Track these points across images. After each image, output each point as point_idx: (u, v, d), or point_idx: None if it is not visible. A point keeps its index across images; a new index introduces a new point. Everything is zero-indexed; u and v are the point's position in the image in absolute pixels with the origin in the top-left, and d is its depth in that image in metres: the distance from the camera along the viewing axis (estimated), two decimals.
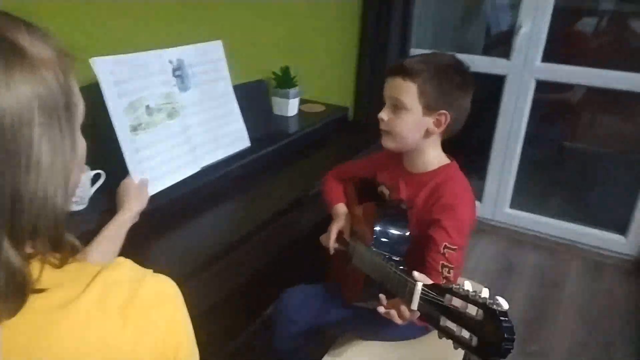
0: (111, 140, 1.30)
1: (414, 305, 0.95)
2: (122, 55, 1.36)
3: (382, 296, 1.08)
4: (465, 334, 0.83)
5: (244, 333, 1.75)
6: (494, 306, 0.79)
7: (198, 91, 1.58)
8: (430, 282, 0.97)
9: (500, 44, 3.23)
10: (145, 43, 1.49)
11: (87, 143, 0.65)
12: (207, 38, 1.65)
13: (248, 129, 1.73)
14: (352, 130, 2.30)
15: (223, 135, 1.64)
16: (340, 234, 1.43)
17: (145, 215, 1.25)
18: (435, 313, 0.90)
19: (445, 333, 0.87)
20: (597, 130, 3.67)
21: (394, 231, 1.25)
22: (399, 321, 1.04)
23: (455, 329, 0.85)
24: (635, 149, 3.33)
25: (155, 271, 0.64)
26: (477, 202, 2.23)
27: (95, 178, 1.30)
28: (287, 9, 2.27)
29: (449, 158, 1.33)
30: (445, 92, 1.22)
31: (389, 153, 1.40)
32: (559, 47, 2.76)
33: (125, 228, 1.16)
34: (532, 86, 2.75)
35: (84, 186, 1.23)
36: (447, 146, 1.34)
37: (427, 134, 1.26)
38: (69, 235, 0.60)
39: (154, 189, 1.36)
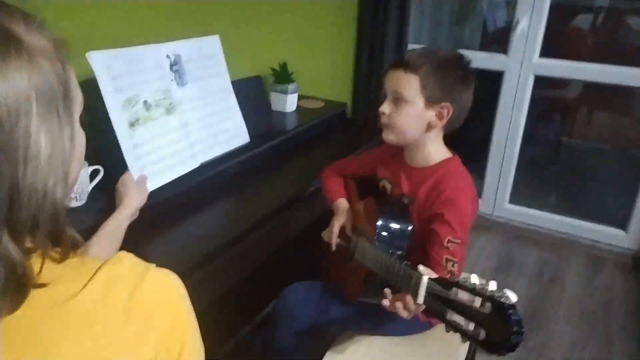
0: (109, 136, 1.28)
1: (420, 299, 0.94)
2: (118, 50, 1.34)
3: (387, 290, 1.07)
4: (473, 327, 0.82)
5: (243, 331, 1.74)
6: (503, 299, 0.78)
7: (196, 86, 1.56)
8: (435, 275, 0.96)
9: (496, 40, 3.23)
10: (142, 38, 1.47)
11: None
12: (204, 33, 1.63)
13: (246, 124, 1.71)
14: (350, 126, 2.29)
15: (222, 131, 1.62)
16: (341, 229, 1.41)
17: (144, 211, 1.23)
18: (442, 307, 0.88)
19: (452, 327, 0.85)
20: (594, 126, 3.67)
21: (396, 226, 1.24)
22: (404, 314, 1.03)
23: (462, 323, 0.84)
24: (633, 145, 3.34)
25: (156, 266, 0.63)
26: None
27: (94, 174, 1.28)
28: (283, 4, 2.26)
29: (451, 152, 1.32)
30: (447, 85, 1.21)
31: (389, 148, 1.39)
32: (555, 44, 2.76)
33: (125, 224, 1.14)
34: (531, 82, 2.75)
35: (82, 182, 1.22)
36: (447, 143, 1.33)
37: (429, 127, 1.25)
38: (70, 230, 0.59)
39: (153, 185, 1.35)
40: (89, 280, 0.56)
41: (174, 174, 1.43)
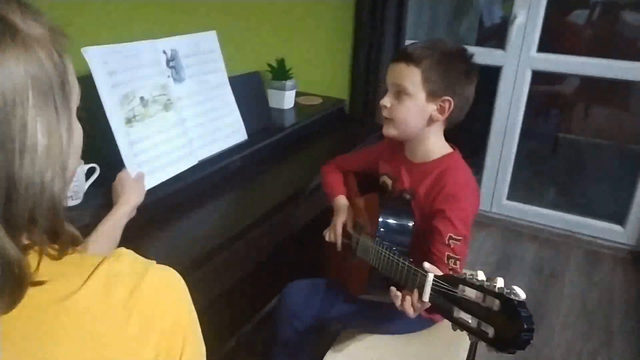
0: (105, 132, 1.26)
1: (426, 297, 0.92)
2: (114, 45, 1.31)
3: (393, 289, 1.05)
4: (481, 325, 0.80)
5: (243, 330, 1.72)
6: (512, 295, 0.77)
7: (193, 82, 1.54)
8: (440, 273, 0.95)
9: (493, 36, 3.23)
10: (138, 33, 1.45)
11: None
12: (201, 28, 1.61)
13: (244, 121, 1.69)
14: (349, 123, 2.27)
15: (220, 128, 1.60)
16: (343, 226, 1.40)
17: (142, 209, 1.21)
18: (448, 304, 0.87)
19: (460, 325, 0.84)
20: (591, 121, 3.68)
21: (398, 222, 1.23)
22: (410, 311, 1.01)
23: (469, 320, 0.82)
24: (630, 140, 3.34)
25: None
26: None
27: (90, 172, 1.25)
28: (280, 1, 2.23)
29: (452, 147, 1.31)
30: (449, 79, 1.19)
31: (390, 143, 1.37)
32: (552, 39, 2.75)
33: (123, 222, 1.12)
34: (528, 76, 2.74)
35: (78, 180, 1.19)
36: (445, 139, 1.31)
37: (430, 121, 1.23)
38: (69, 225, 0.57)
39: (150, 182, 1.32)
40: (88, 278, 0.54)
41: (171, 172, 1.41)
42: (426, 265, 0.97)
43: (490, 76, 2.81)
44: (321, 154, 1.85)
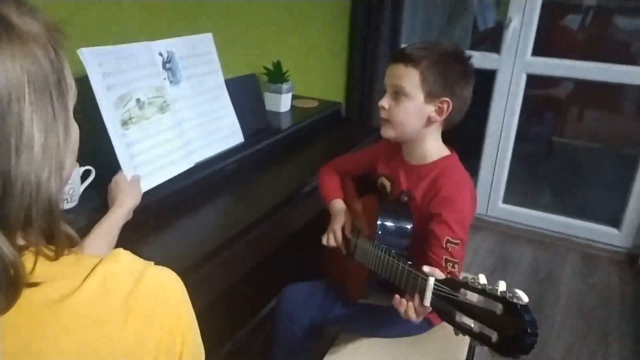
0: (100, 135, 1.24)
1: (427, 302, 0.91)
2: (111, 47, 1.30)
3: (397, 297, 1.04)
4: (484, 329, 0.79)
5: (241, 332, 1.71)
6: (515, 299, 0.76)
7: (189, 85, 1.53)
8: (442, 277, 0.94)
9: (487, 40, 3.24)
10: (134, 35, 1.43)
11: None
12: (197, 31, 1.60)
13: (240, 123, 1.68)
14: (345, 126, 2.26)
15: (216, 130, 1.59)
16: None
17: (138, 212, 1.20)
18: (450, 308, 0.86)
19: (462, 329, 0.83)
20: (585, 125, 3.69)
21: (396, 225, 1.22)
22: (413, 316, 1.00)
23: (472, 325, 0.81)
24: (624, 143, 3.35)
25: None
26: None
27: (85, 175, 1.24)
28: (276, 3, 2.23)
29: (449, 149, 1.30)
30: (447, 79, 1.19)
31: (388, 144, 1.37)
32: (546, 43, 2.76)
33: (119, 225, 1.10)
34: (523, 80, 2.75)
35: (74, 183, 1.17)
36: (443, 141, 1.31)
37: (429, 122, 1.23)
38: (65, 226, 0.57)
39: (146, 185, 1.31)
40: (85, 279, 0.53)
41: (168, 174, 1.40)
42: (426, 268, 0.96)
43: (485, 80, 2.82)
44: (318, 156, 1.84)
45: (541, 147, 3.62)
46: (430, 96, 1.19)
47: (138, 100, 1.34)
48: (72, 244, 0.57)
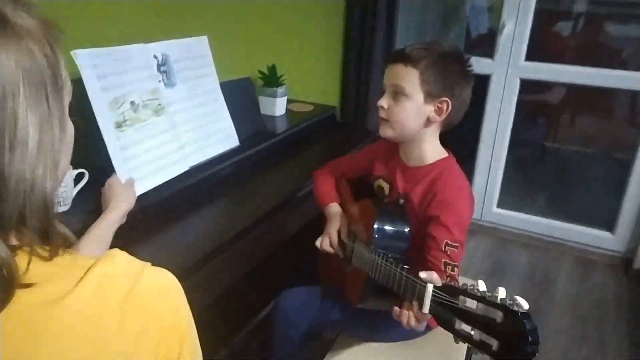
0: (94, 137, 1.22)
1: (426, 309, 0.90)
2: (105, 48, 1.29)
3: (396, 309, 1.03)
4: (484, 337, 0.78)
5: (236, 338, 1.69)
6: (515, 307, 0.75)
7: (184, 87, 1.51)
8: (440, 283, 0.93)
9: (480, 46, 3.25)
10: (129, 37, 1.42)
11: None
12: (192, 33, 1.59)
13: (235, 127, 1.66)
14: (340, 130, 2.26)
15: (211, 133, 1.58)
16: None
17: (132, 215, 1.18)
18: (449, 315, 0.85)
19: (462, 337, 0.82)
20: (577, 130, 3.71)
21: (393, 228, 1.21)
22: (412, 323, 0.99)
23: (472, 332, 0.80)
24: (616, 148, 3.37)
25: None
26: None
27: (79, 178, 1.22)
28: (271, 7, 2.22)
29: (447, 151, 1.29)
30: (447, 79, 1.18)
31: (385, 145, 1.36)
32: (538, 49, 2.77)
33: (113, 229, 1.09)
34: (517, 84, 2.75)
35: (67, 186, 1.16)
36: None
37: (428, 122, 1.22)
38: (60, 226, 0.56)
39: (141, 188, 1.29)
40: (80, 279, 0.52)
41: (162, 177, 1.38)
42: (423, 274, 0.95)
43: (478, 84, 2.80)
44: (313, 160, 1.83)
45: (535, 152, 3.63)
46: (429, 96, 1.19)
47: (132, 102, 1.33)
48: (67, 245, 0.57)
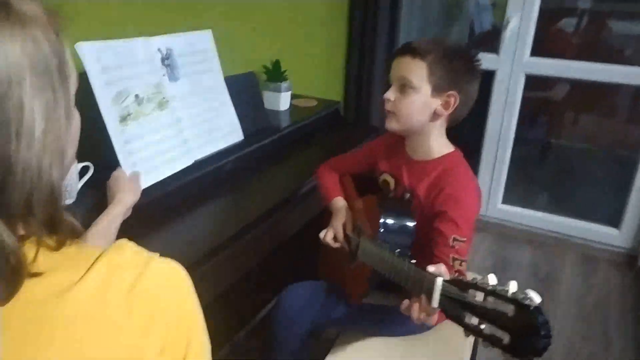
0: (98, 131, 1.22)
1: (435, 303, 0.89)
2: (109, 41, 1.28)
3: (405, 302, 1.01)
4: (495, 331, 0.77)
5: (238, 335, 1.68)
6: (527, 300, 0.74)
7: (188, 82, 1.50)
8: (449, 277, 0.91)
9: (484, 42, 3.23)
10: (133, 30, 1.41)
11: None
12: (196, 28, 1.58)
13: (240, 121, 1.65)
14: (344, 125, 2.25)
15: (216, 128, 1.57)
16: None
17: (136, 209, 1.17)
18: (459, 310, 0.84)
19: (472, 331, 0.80)
20: (582, 127, 3.69)
21: (399, 223, 1.20)
22: (424, 318, 0.97)
23: (483, 326, 0.79)
24: (620, 145, 3.35)
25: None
26: None
27: (83, 171, 1.21)
28: (275, 2, 2.20)
29: (453, 146, 1.28)
30: (455, 73, 1.18)
31: (389, 139, 1.35)
32: (542, 46, 2.76)
33: (118, 222, 1.08)
34: (522, 80, 2.74)
35: (71, 179, 1.14)
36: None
37: (434, 116, 1.21)
38: (68, 215, 0.55)
39: (146, 182, 1.28)
40: (87, 270, 0.52)
41: (167, 171, 1.37)
42: (431, 268, 0.93)
43: (483, 80, 2.79)
44: (316, 155, 1.82)
45: (539, 149, 3.62)
46: (436, 90, 1.18)
47: (137, 96, 1.32)
48: (75, 235, 0.56)
